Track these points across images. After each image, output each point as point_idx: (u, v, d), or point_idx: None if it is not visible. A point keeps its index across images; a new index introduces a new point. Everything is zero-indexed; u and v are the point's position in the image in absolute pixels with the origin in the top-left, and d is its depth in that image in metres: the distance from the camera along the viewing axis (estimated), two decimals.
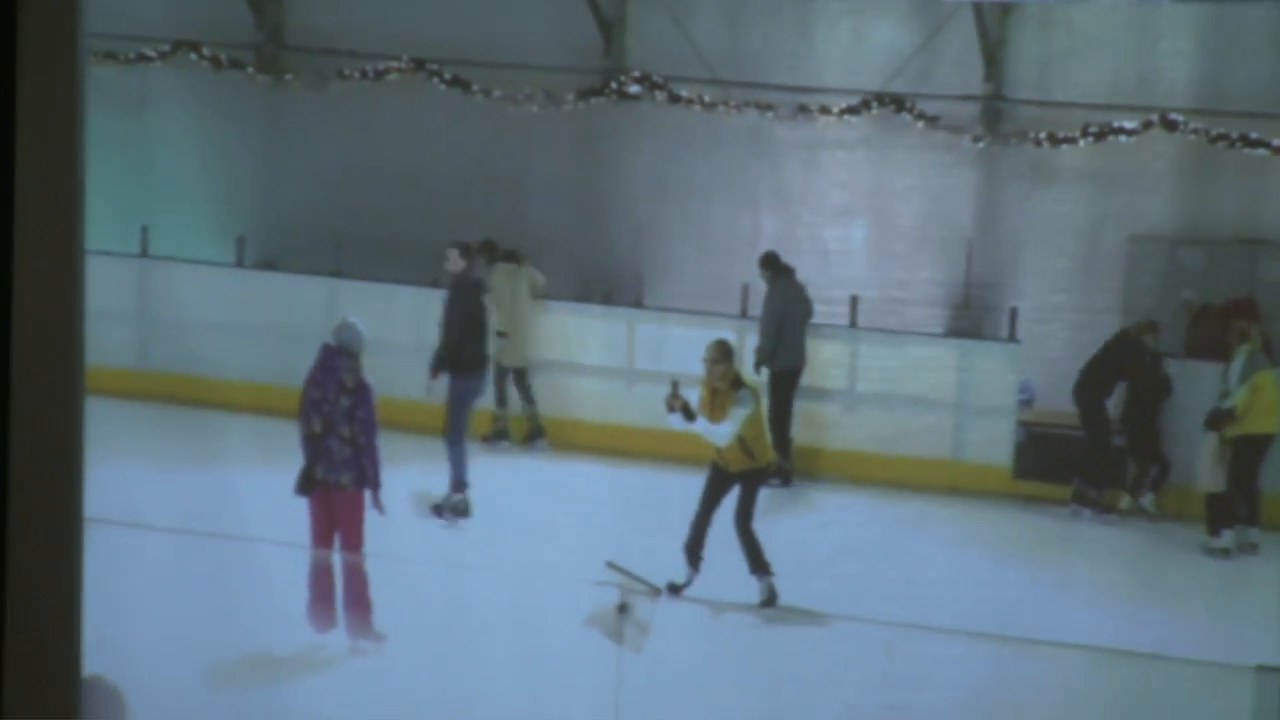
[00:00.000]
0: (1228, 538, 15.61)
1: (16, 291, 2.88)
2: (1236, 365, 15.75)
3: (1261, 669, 7.88)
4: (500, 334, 17.65)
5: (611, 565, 12.89)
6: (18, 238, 2.91)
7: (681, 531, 13.30)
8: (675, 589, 13.13)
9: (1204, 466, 15.79)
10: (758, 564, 13.15)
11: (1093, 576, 15.04)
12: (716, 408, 13.13)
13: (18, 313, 2.90)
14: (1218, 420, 15.70)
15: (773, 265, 17.87)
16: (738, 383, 13.24)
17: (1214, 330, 17.18)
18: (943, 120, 19.98)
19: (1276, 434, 15.82)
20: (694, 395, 13.24)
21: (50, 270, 2.89)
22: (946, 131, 20.00)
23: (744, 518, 13.18)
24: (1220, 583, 14.96)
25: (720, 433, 13.08)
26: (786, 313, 17.59)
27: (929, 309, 20.03)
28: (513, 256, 18.38)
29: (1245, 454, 15.72)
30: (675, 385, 13.17)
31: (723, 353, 13.29)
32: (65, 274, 2.94)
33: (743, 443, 13.11)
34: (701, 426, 13.15)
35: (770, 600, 13.13)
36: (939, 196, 20.19)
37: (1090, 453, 17.06)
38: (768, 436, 13.68)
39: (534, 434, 18.21)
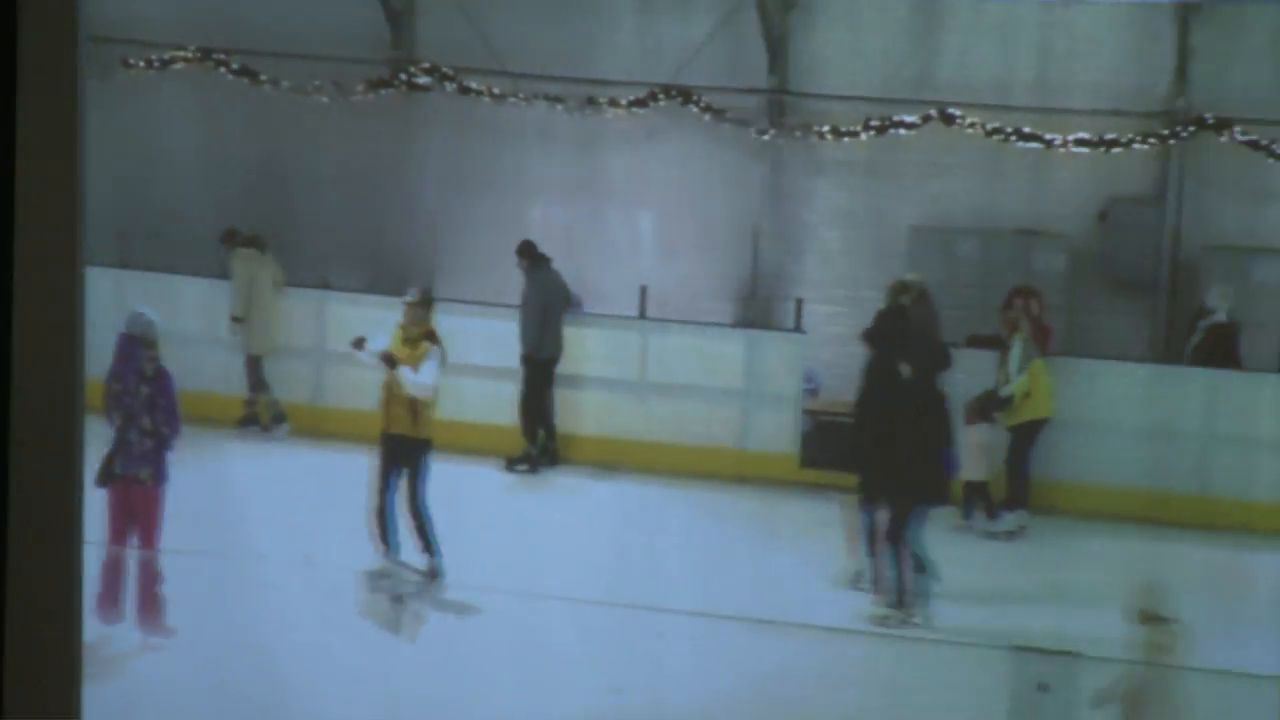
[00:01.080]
0: (1010, 519, 16.08)
1: (17, 292, 2.87)
2: (1014, 354, 16.22)
3: (1015, 649, 8.20)
4: (235, 319, 17.60)
5: (388, 558, 12.98)
6: (18, 240, 2.89)
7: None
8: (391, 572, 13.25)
9: (967, 455, 16.23)
10: (426, 543, 13.31)
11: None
12: (407, 355, 13.37)
13: (18, 314, 2.89)
14: (992, 407, 16.13)
15: (530, 254, 17.86)
16: (432, 337, 13.47)
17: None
18: (729, 113, 20.28)
19: (1051, 418, 16.36)
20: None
21: (50, 272, 2.88)
22: (732, 124, 20.31)
23: (414, 497, 13.38)
24: (992, 565, 15.38)
25: (420, 383, 13.29)
26: (547, 303, 17.59)
27: (717, 299, 20.32)
28: (253, 242, 18.14)
29: (1023, 439, 16.23)
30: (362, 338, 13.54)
31: (422, 299, 13.56)
32: (65, 275, 2.93)
33: (414, 404, 13.30)
34: (405, 375, 13.32)
35: (433, 574, 13.28)
36: (726, 189, 20.49)
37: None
38: (435, 411, 13.84)
39: (276, 419, 18.09)
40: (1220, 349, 17.24)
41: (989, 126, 19.38)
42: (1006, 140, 19.35)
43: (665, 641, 11.38)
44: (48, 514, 2.91)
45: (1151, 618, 9.10)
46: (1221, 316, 17.40)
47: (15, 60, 2.88)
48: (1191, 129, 19.27)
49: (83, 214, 2.94)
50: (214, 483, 14.82)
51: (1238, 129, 19.03)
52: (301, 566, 12.68)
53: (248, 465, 16.44)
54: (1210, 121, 19.16)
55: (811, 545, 15.32)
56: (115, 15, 20.42)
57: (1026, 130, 19.33)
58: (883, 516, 13.27)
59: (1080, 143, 19.28)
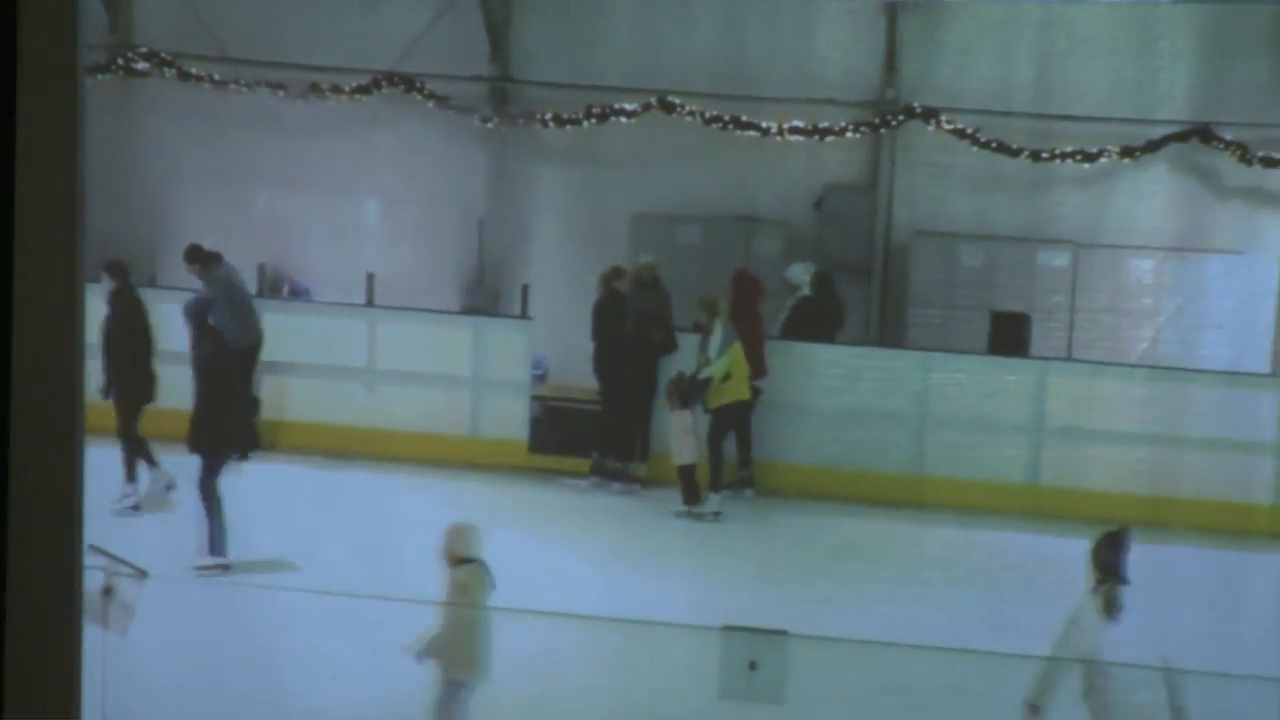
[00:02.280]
0: (715, 501, 16.41)
1: (17, 293, 2.83)
2: (715, 337, 16.50)
3: (726, 629, 8.50)
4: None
5: (94, 548, 12.76)
6: (18, 243, 2.86)
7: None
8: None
9: (676, 439, 16.57)
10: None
11: (611, 545, 15.51)
12: None
13: (18, 314, 2.85)
14: (695, 391, 16.44)
15: (198, 258, 17.21)
16: None
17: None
18: (452, 100, 20.34)
19: (749, 400, 16.75)
20: None
21: (50, 274, 2.84)
22: (456, 111, 20.38)
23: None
24: (704, 545, 15.72)
25: None
26: (230, 296, 17.02)
27: (444, 287, 20.38)
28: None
29: (722, 422, 16.56)
30: None
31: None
32: (66, 278, 2.90)
33: None
34: None
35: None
36: (451, 176, 20.56)
37: (606, 424, 17.50)
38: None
39: None
40: (805, 323, 17.78)
41: (708, 114, 19.79)
42: (725, 128, 19.78)
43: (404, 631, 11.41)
44: (48, 514, 2.90)
45: (459, 559, 9.55)
46: (806, 292, 17.96)
47: (15, 62, 2.86)
48: (901, 118, 19.97)
49: (82, 217, 2.92)
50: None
51: (944, 118, 19.77)
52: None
53: None
54: (918, 111, 19.87)
55: (544, 530, 15.50)
56: None
57: (744, 119, 19.78)
58: None
59: (795, 131, 19.80)
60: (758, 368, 16.94)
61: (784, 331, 17.67)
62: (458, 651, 9.56)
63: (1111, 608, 8.83)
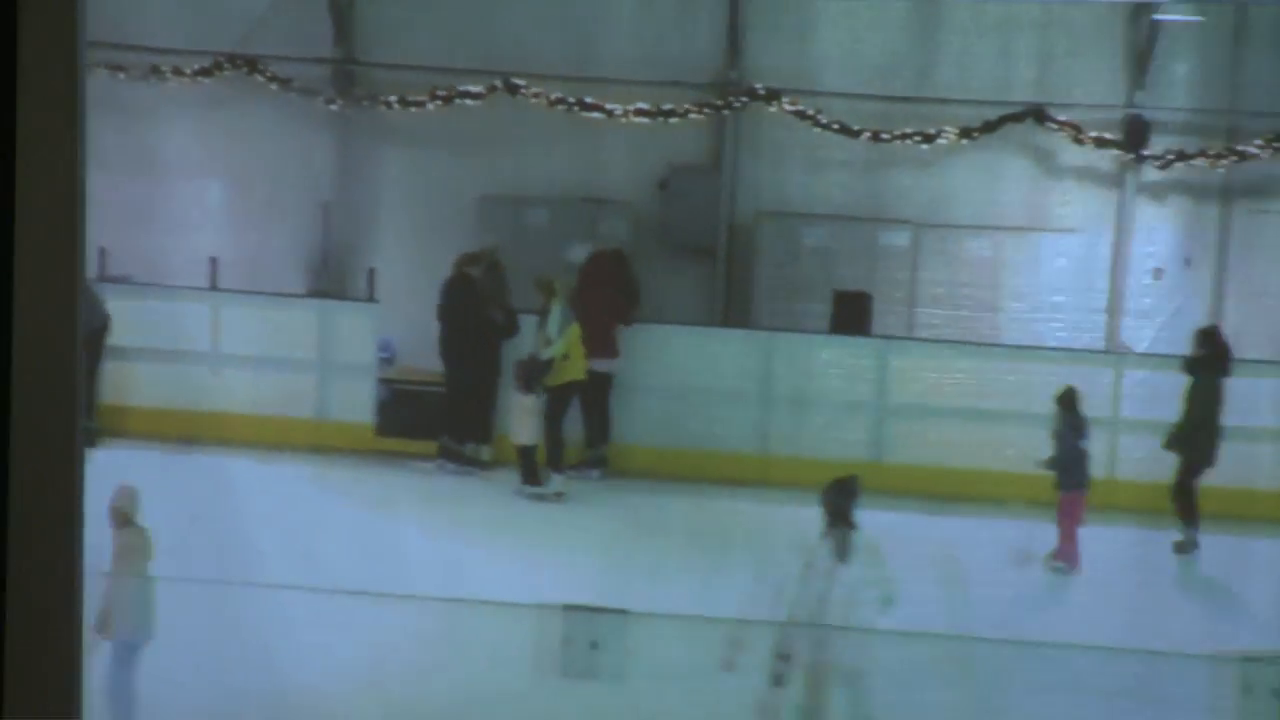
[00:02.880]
0: (557, 481, 16.51)
1: (17, 292, 2.79)
2: (554, 318, 16.58)
3: (568, 608, 8.62)
4: None
5: None
6: (18, 243, 2.81)
7: None
8: None
9: (515, 419, 16.66)
10: None
11: (456, 527, 15.54)
12: None
13: (18, 313, 2.80)
14: (538, 372, 16.51)
15: None
16: None
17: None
18: (295, 82, 20.16)
19: (584, 380, 16.87)
20: None
21: (51, 276, 2.81)
22: (299, 94, 20.21)
23: None
24: (548, 525, 15.83)
25: None
26: None
27: (289, 270, 20.23)
28: None
29: (559, 401, 16.65)
30: None
31: None
32: (66, 278, 2.86)
33: None
34: None
35: None
36: (295, 159, 20.38)
37: (452, 407, 17.55)
38: None
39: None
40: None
41: (553, 97, 19.83)
42: (570, 110, 19.83)
43: (268, 618, 11.35)
44: (48, 514, 2.86)
45: (126, 521, 9.73)
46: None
47: (15, 64, 2.82)
48: (744, 100, 20.15)
49: (83, 216, 2.89)
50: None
51: (786, 99, 19.99)
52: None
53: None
54: (761, 92, 20.07)
55: (391, 512, 15.49)
56: None
57: (589, 101, 19.85)
58: None
59: (640, 113, 19.90)
60: (607, 348, 17.05)
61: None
62: (126, 614, 9.62)
63: (842, 551, 9.18)
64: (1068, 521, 14.82)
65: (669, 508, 16.23)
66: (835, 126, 19.85)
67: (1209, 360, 15.81)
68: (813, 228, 19.96)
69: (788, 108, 19.98)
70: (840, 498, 9.38)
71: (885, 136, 19.84)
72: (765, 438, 17.44)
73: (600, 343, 17.02)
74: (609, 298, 17.38)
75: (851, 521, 9.28)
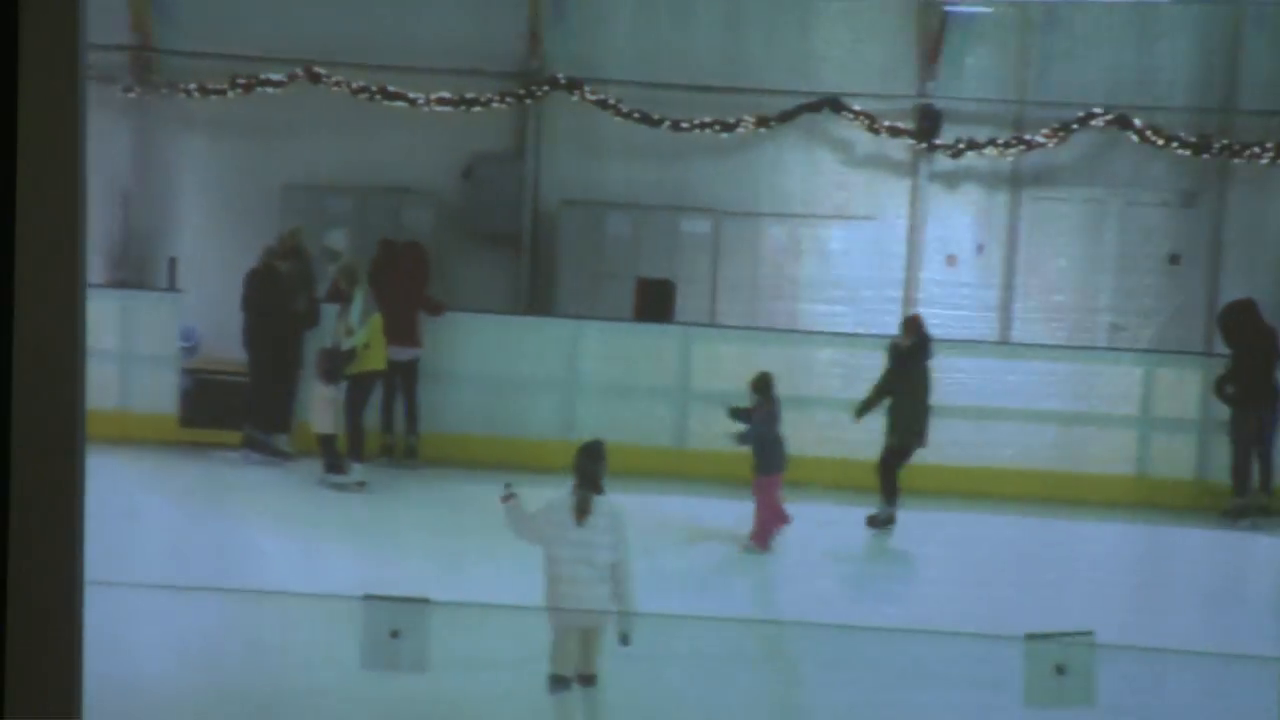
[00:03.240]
0: (358, 471, 16.49)
1: (18, 290, 2.75)
2: (355, 307, 16.53)
3: (368, 598, 8.68)
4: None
5: None
6: (19, 244, 2.77)
7: None
8: None
9: (315, 409, 16.61)
10: None
11: (260, 518, 15.38)
12: None
13: (19, 311, 2.76)
14: (340, 362, 16.43)
15: None
16: None
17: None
18: (92, 69, 19.68)
19: (383, 370, 16.85)
20: None
21: (52, 277, 2.77)
22: (97, 81, 19.85)
23: None
24: (350, 514, 15.79)
25: None
26: None
27: (89, 260, 19.85)
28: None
29: (359, 391, 16.61)
30: None
31: None
32: (67, 277, 2.82)
33: None
34: None
35: None
36: (93, 146, 19.96)
37: (255, 396, 17.40)
38: None
39: None
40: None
41: (355, 85, 19.77)
42: (373, 99, 19.79)
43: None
44: (48, 514, 2.83)
45: None
46: (347, 259, 17.77)
47: (16, 65, 2.79)
48: (545, 89, 20.29)
49: (84, 217, 2.86)
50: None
51: (588, 88, 20.16)
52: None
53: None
54: (562, 81, 20.22)
55: (195, 504, 15.35)
56: None
57: (391, 89, 19.82)
58: None
59: (442, 101, 19.94)
60: (408, 337, 17.07)
61: (329, 298, 17.34)
62: None
63: (581, 511, 9.46)
64: (764, 504, 15.01)
65: (475, 496, 16.18)
66: (636, 115, 20.07)
67: (915, 347, 16.21)
68: (616, 216, 20.17)
69: (589, 97, 20.15)
70: (589, 462, 9.65)
71: (685, 125, 20.11)
72: (571, 424, 17.57)
73: (401, 332, 17.02)
74: (405, 288, 17.36)
75: (598, 485, 9.54)
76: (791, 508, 14.96)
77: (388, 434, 17.36)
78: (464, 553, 13.65)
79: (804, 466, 16.41)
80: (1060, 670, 8.40)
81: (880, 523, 15.78)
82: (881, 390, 16.01)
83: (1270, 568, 15.11)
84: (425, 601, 8.33)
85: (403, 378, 17.25)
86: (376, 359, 16.65)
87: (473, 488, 16.35)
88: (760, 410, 15.05)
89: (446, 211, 20.21)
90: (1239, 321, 16.42)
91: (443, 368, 17.35)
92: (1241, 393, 15.92)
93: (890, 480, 15.88)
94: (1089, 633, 8.67)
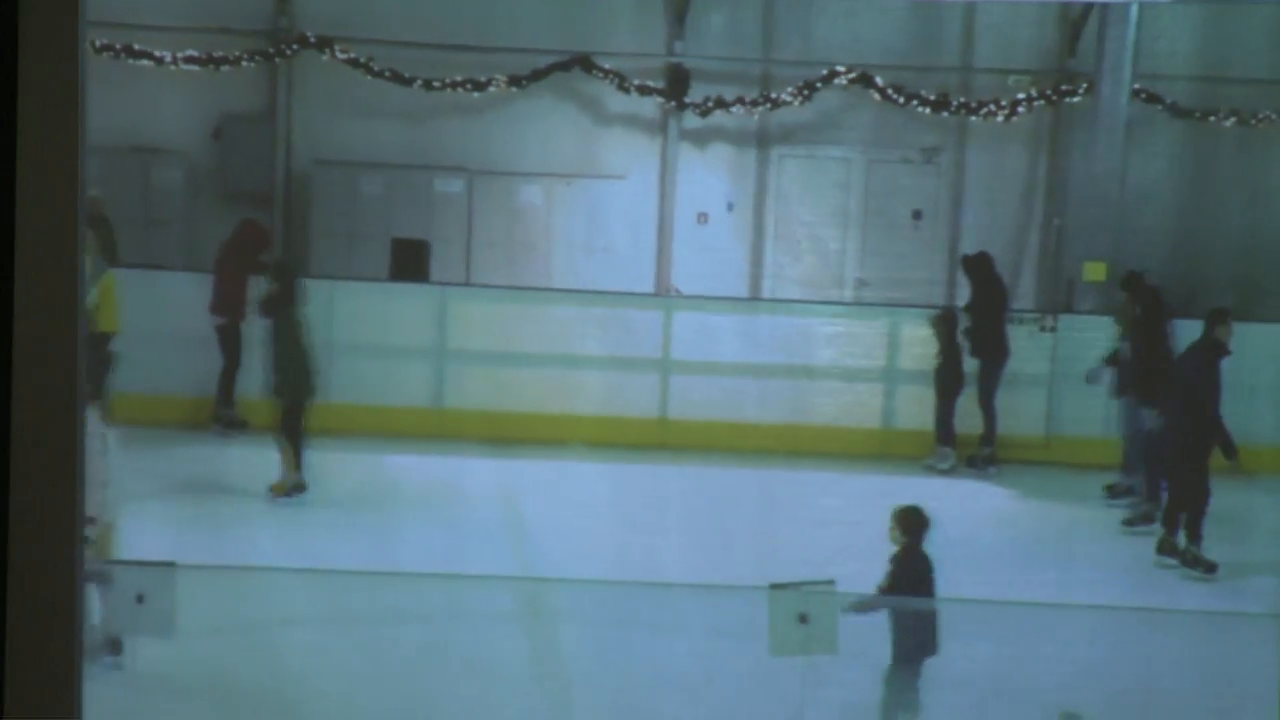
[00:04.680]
0: (112, 436, 16.11)
1: (17, 288, 2.63)
2: (87, 269, 16.12)
3: (113, 564, 8.62)
4: None
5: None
6: (18, 238, 2.64)
7: None
8: None
9: None
10: None
11: None
12: None
13: (18, 309, 2.63)
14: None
15: None
16: None
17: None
18: None
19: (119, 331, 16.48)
20: None
21: (51, 270, 2.64)
22: None
23: None
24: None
25: None
26: None
27: None
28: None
29: (102, 355, 16.20)
30: None
31: None
32: (66, 270, 2.69)
33: None
34: None
35: None
36: None
37: None
38: None
39: None
40: None
41: (98, 43, 19.33)
42: (117, 58, 19.38)
43: None
44: (48, 514, 2.73)
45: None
46: None
47: (15, 61, 2.68)
48: (295, 47, 20.09)
49: (83, 209, 2.76)
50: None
51: (339, 47, 20.02)
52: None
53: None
54: (313, 40, 20.05)
55: None
56: None
57: (137, 48, 19.45)
58: None
59: (190, 60, 19.64)
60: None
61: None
62: None
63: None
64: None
65: (212, 458, 15.85)
66: (387, 74, 20.00)
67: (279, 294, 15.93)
68: (369, 176, 20.08)
69: (340, 55, 20.02)
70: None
71: (437, 85, 20.10)
72: (327, 385, 17.45)
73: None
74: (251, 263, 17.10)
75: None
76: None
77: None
78: (210, 516, 13.37)
79: (560, 424, 16.66)
80: (804, 619, 8.62)
81: None
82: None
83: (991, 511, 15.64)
84: (172, 565, 8.29)
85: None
86: (107, 320, 16.22)
87: (212, 450, 16.06)
88: None
89: (197, 172, 19.92)
90: (975, 274, 16.95)
91: (196, 330, 16.94)
92: (973, 344, 16.43)
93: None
94: (830, 581, 8.93)
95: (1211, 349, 13.55)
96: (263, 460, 14.33)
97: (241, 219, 17.75)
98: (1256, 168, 20.67)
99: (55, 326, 2.81)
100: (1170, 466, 13.73)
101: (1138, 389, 14.87)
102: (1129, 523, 14.61)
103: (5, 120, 2.77)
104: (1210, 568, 13.23)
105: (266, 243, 17.58)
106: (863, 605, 9.22)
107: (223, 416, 16.78)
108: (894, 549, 9.45)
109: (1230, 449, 13.18)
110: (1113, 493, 15.31)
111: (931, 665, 9.30)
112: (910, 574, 9.35)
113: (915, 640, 9.34)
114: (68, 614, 2.84)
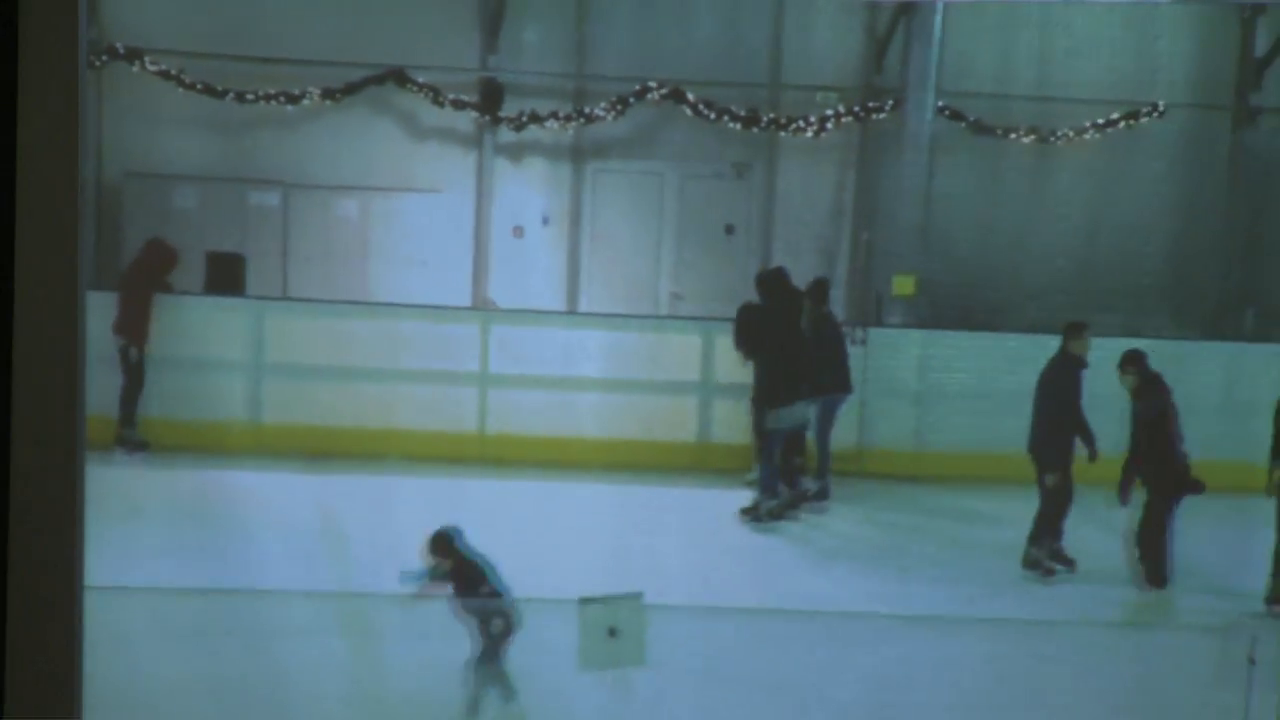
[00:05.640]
0: None
1: (17, 290, 2.57)
2: None
3: None
4: None
5: None
6: (18, 244, 2.59)
7: None
8: None
9: None
10: None
11: None
12: None
13: (18, 312, 2.58)
14: None
15: None
16: None
17: None
18: None
19: None
20: None
21: (50, 272, 2.60)
22: None
23: None
24: None
25: None
26: None
27: None
28: None
29: None
30: None
31: None
32: (66, 276, 2.64)
33: None
34: None
35: None
36: None
37: None
38: None
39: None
40: None
41: None
42: None
43: None
44: (48, 514, 2.69)
45: None
46: None
47: (15, 65, 2.64)
48: (104, 58, 19.82)
49: (83, 218, 2.73)
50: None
51: (149, 59, 19.80)
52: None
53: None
54: (122, 52, 19.80)
55: None
56: None
57: None
58: None
59: None
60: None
61: None
62: None
63: None
64: None
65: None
66: (199, 87, 19.84)
67: None
68: (181, 189, 19.89)
69: (150, 67, 19.80)
70: None
71: (250, 97, 19.99)
72: (146, 401, 17.30)
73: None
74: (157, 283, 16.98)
75: None
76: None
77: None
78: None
79: (379, 438, 16.73)
80: (613, 633, 8.83)
81: None
82: None
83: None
84: (639, 596, 8.43)
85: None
86: None
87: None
88: None
89: None
90: (769, 287, 17.23)
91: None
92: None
93: None
94: (638, 595, 9.17)
95: (1069, 363, 14.12)
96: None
97: (148, 239, 17.56)
98: (1055, 183, 21.37)
99: (55, 327, 2.90)
100: (1038, 476, 14.24)
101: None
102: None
103: (5, 120, 2.83)
104: (1070, 564, 13.91)
105: (173, 262, 17.39)
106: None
107: (126, 438, 16.69)
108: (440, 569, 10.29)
109: (1093, 450, 13.85)
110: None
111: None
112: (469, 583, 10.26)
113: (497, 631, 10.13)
114: (68, 614, 2.89)
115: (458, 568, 10.31)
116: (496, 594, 10.30)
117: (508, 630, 10.05)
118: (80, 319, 2.95)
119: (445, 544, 10.39)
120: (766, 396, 15.49)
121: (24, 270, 2.90)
